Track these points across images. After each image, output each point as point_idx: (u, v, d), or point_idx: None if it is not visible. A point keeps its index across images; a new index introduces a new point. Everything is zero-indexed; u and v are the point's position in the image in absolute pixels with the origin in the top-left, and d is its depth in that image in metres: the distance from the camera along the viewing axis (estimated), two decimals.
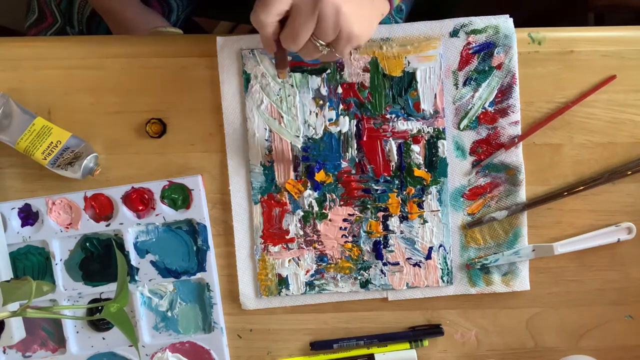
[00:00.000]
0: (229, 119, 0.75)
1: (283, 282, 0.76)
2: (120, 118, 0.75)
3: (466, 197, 0.75)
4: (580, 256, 0.76)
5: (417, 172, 0.74)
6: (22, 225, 0.76)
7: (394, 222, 0.75)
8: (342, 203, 0.75)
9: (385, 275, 0.76)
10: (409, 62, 0.73)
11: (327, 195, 0.75)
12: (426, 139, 0.74)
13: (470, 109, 0.74)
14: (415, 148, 0.74)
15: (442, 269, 0.76)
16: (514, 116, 0.74)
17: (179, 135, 0.75)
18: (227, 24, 1.25)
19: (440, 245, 0.75)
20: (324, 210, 0.75)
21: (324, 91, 0.74)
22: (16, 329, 0.74)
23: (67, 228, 0.75)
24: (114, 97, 0.75)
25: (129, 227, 0.75)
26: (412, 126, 0.74)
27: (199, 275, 0.76)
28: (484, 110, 0.74)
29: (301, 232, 0.75)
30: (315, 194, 0.75)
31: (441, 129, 0.74)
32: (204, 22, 1.10)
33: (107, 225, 0.75)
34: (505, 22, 0.73)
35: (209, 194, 0.76)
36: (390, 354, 0.77)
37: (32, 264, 0.76)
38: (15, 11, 1.15)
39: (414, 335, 0.77)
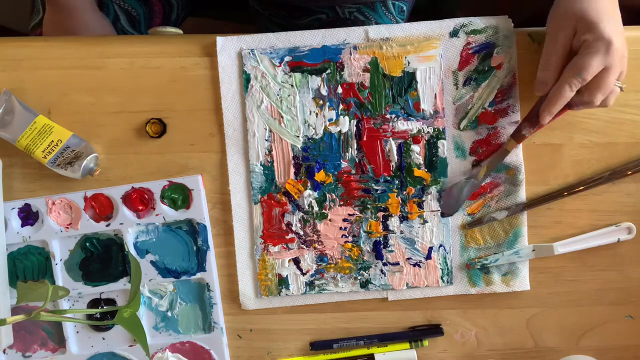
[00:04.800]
0: (229, 119, 0.75)
1: (283, 282, 0.76)
2: (120, 118, 0.75)
3: None
4: (580, 256, 0.76)
5: (417, 172, 0.74)
6: (22, 225, 0.76)
7: (394, 222, 0.75)
8: (342, 203, 0.75)
9: (385, 275, 0.76)
10: (409, 62, 0.73)
11: (327, 195, 0.75)
12: (426, 139, 0.74)
13: (470, 109, 0.74)
14: (415, 148, 0.74)
15: (442, 269, 0.76)
16: (514, 116, 0.74)
17: (179, 135, 0.75)
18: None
19: (440, 245, 0.75)
20: (324, 210, 0.75)
21: (324, 91, 0.74)
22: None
23: (67, 228, 0.75)
24: (114, 97, 0.75)
25: (129, 227, 0.75)
26: (412, 126, 0.74)
27: (199, 275, 0.76)
28: (484, 110, 0.74)
29: (301, 232, 0.75)
30: (315, 194, 0.75)
31: (441, 129, 0.74)
32: (205, 22, 1.10)
33: (107, 225, 0.75)
34: (504, 22, 0.73)
35: (209, 194, 0.76)
36: (390, 354, 0.77)
37: (32, 264, 0.76)
38: (18, 11, 1.15)
39: (414, 335, 0.77)
